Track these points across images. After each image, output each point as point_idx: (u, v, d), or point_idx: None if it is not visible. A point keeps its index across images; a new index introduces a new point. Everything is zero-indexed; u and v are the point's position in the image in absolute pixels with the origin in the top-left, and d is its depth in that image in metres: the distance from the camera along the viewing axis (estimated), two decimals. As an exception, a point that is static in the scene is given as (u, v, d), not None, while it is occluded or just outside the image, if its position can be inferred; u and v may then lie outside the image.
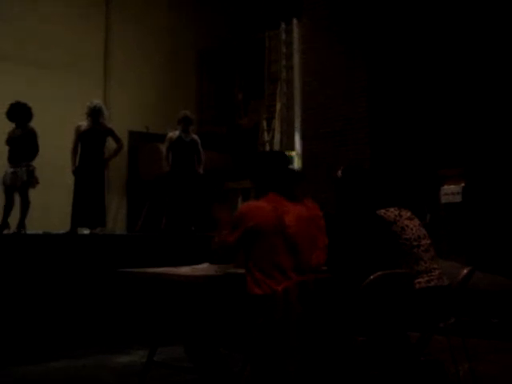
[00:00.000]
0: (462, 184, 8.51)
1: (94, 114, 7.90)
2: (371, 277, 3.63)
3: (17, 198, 7.51)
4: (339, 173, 4.28)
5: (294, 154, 10.95)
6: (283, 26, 11.10)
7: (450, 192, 8.58)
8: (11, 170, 7.44)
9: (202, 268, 4.17)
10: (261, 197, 3.78)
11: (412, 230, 4.34)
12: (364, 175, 4.32)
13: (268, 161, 3.97)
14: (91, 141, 7.89)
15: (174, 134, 8.81)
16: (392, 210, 4.31)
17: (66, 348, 5.96)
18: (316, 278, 3.64)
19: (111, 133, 8.13)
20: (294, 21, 10.90)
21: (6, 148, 7.58)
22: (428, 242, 4.43)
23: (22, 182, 7.37)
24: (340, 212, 4.20)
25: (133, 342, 6.08)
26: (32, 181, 7.44)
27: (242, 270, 3.70)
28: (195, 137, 8.90)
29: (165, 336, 4.33)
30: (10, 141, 7.56)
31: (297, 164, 10.84)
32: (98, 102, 8.10)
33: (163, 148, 8.94)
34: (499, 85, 8.34)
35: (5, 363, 5.42)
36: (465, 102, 8.57)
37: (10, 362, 5.45)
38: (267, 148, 11.28)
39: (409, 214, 4.36)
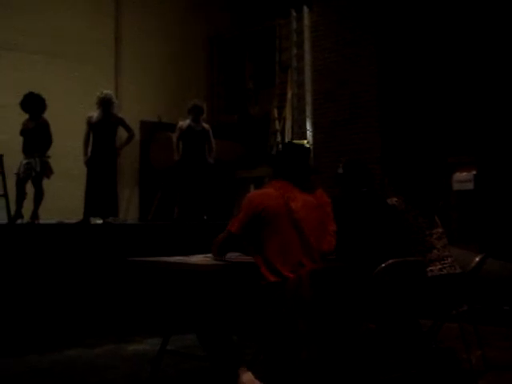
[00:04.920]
0: (474, 171, 8.49)
1: (105, 104, 7.93)
2: (383, 265, 3.65)
3: (29, 188, 7.54)
4: (340, 169, 4.33)
5: (305, 142, 10.92)
6: (294, 14, 11.05)
7: (462, 179, 8.56)
8: (25, 161, 7.46)
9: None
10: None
11: (424, 218, 4.36)
12: (364, 168, 4.36)
13: (289, 151, 4.00)
14: (103, 131, 7.92)
15: (184, 123, 8.81)
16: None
17: (79, 337, 6.00)
18: (327, 266, 3.66)
19: (122, 122, 8.15)
20: (305, 9, 10.85)
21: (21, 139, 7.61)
22: (440, 230, 4.45)
23: (36, 173, 7.39)
24: (349, 201, 4.22)
25: (145, 331, 6.12)
26: (46, 171, 7.48)
27: (250, 258, 3.72)
28: (206, 126, 8.89)
29: (177, 324, 4.36)
30: (24, 132, 7.57)
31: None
32: (107, 92, 8.10)
33: (174, 137, 8.94)
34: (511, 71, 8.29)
35: (19, 351, 5.47)
36: (476, 90, 8.52)
37: (23, 351, 5.50)
38: (278, 137, 11.24)
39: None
